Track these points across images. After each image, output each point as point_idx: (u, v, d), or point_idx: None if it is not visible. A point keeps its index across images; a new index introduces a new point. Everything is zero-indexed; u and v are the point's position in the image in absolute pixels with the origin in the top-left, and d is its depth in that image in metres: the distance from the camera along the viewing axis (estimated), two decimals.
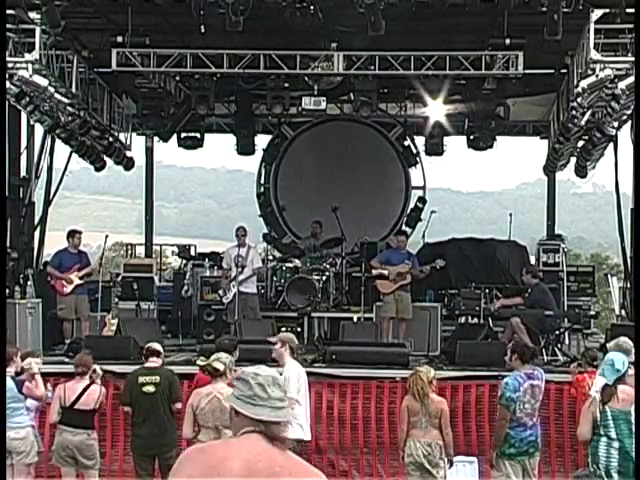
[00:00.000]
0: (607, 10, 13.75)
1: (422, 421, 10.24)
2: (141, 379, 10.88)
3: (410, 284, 16.37)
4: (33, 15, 13.89)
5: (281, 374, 10.46)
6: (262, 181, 22.97)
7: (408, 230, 22.00)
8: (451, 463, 10.51)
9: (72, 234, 16.05)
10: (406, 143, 22.41)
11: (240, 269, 16.18)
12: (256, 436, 3.79)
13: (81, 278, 15.74)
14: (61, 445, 10.87)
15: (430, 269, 16.51)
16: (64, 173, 20.60)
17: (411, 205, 22.22)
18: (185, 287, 18.88)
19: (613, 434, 8.29)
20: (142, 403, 10.79)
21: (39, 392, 10.71)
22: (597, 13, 13.75)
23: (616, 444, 8.29)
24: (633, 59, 13.51)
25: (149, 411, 10.77)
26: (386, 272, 16.20)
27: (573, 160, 19.28)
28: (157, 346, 11.29)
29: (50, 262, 16.35)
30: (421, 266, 16.62)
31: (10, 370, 10.76)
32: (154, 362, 11.06)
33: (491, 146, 20.15)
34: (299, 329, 16.86)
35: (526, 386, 9.84)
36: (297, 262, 18.35)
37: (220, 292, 16.56)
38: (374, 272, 16.39)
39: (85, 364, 11.05)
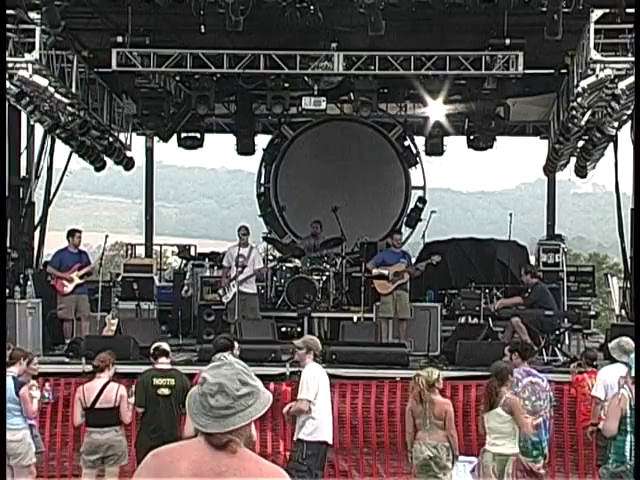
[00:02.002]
0: (607, 10, 13.76)
1: (426, 423, 10.24)
2: (156, 381, 10.81)
3: (409, 283, 16.38)
4: (33, 15, 13.89)
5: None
6: (262, 181, 22.97)
7: (408, 230, 22.04)
8: (453, 462, 10.50)
9: (72, 233, 16.04)
10: (406, 143, 22.41)
11: (241, 269, 16.15)
12: (204, 439, 3.82)
13: (81, 277, 15.72)
14: (90, 447, 10.82)
15: (426, 265, 16.52)
16: (64, 173, 20.60)
17: (411, 205, 22.22)
18: (185, 287, 18.88)
19: None
20: (156, 405, 10.72)
21: (31, 409, 10.68)
22: (597, 13, 13.75)
23: None
24: (633, 59, 13.51)
25: (162, 413, 10.71)
26: (386, 272, 16.21)
27: (573, 160, 19.27)
28: (166, 346, 11.27)
29: (50, 262, 16.34)
30: (417, 263, 16.62)
31: (14, 370, 10.77)
32: (165, 363, 11.02)
33: (491, 146, 20.13)
34: (299, 329, 16.86)
35: (525, 382, 9.85)
36: (297, 262, 18.36)
37: (220, 292, 16.53)
38: (374, 272, 16.40)
39: (103, 360, 11.04)
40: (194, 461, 3.75)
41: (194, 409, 3.81)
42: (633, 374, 8.48)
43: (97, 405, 10.78)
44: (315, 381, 10.09)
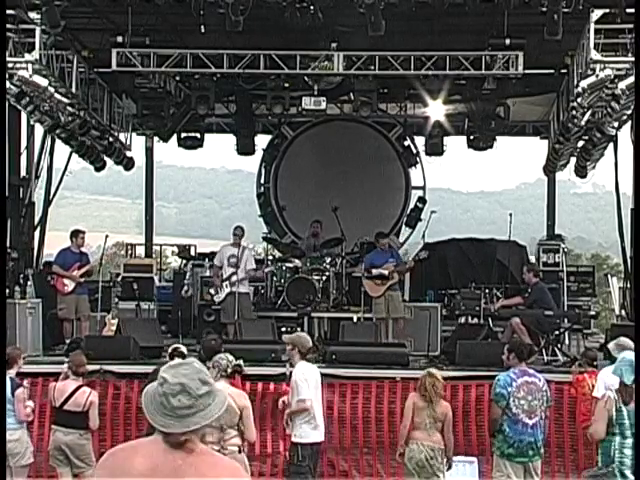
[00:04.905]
0: (607, 10, 13.76)
1: (426, 423, 10.21)
2: None
3: (409, 282, 16.36)
4: (33, 15, 13.89)
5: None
6: (262, 181, 22.98)
7: (408, 230, 22.05)
8: (450, 466, 10.50)
9: (76, 234, 16.02)
10: (406, 143, 22.42)
11: (234, 269, 16.13)
12: (161, 438, 3.81)
13: (81, 277, 15.72)
14: (54, 445, 10.86)
15: (415, 262, 16.48)
16: (64, 173, 20.62)
17: (411, 205, 22.22)
18: (185, 287, 18.88)
19: (628, 433, 8.24)
20: None
21: (24, 412, 10.68)
22: (597, 13, 13.75)
23: (630, 443, 8.23)
24: (633, 59, 13.52)
25: None
26: (386, 272, 16.19)
27: (573, 160, 19.28)
28: (184, 348, 11.27)
29: (55, 261, 16.29)
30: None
31: (12, 371, 10.77)
32: None
33: (491, 146, 20.16)
34: (299, 329, 16.84)
35: (520, 382, 9.81)
36: (297, 262, 18.34)
37: (212, 291, 16.53)
38: (374, 272, 16.38)
39: (82, 365, 11.03)
40: (149, 457, 3.75)
41: (152, 408, 3.80)
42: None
43: (65, 407, 10.80)
44: (306, 383, 10.10)
